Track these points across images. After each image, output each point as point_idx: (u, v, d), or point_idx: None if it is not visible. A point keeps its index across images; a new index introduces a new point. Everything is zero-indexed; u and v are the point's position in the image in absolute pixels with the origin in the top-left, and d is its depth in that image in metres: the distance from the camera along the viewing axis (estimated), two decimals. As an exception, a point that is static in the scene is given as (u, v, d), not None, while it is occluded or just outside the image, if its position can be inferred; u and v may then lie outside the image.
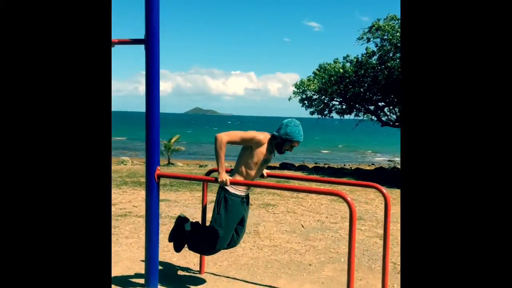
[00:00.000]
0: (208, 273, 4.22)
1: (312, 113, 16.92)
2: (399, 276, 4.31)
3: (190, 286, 3.88)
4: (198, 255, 4.31)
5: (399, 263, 4.64)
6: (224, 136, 3.45)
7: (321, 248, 5.19)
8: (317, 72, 16.26)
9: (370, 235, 5.86)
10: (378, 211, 7.49)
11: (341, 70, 15.47)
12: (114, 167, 14.40)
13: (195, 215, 6.56)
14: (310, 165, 18.52)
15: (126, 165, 16.21)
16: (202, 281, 4.02)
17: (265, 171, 3.93)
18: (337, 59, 16.41)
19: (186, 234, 3.77)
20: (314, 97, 16.84)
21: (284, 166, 17.19)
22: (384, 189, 3.49)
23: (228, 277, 4.14)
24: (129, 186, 9.04)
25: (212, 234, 3.58)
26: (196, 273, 4.21)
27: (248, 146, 3.55)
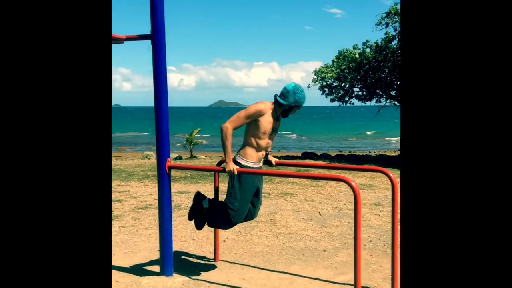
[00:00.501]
0: (222, 261, 4.32)
1: (332, 100, 16.79)
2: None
3: (204, 273, 3.98)
4: (213, 243, 4.41)
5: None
6: (229, 125, 3.52)
7: (336, 235, 5.23)
8: (335, 59, 16.12)
9: (388, 220, 5.85)
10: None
11: (357, 55, 15.28)
12: (137, 161, 14.69)
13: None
14: (333, 154, 18.45)
15: (150, 159, 16.48)
16: (216, 268, 4.12)
17: (273, 160, 3.98)
18: (356, 45, 16.22)
19: (204, 211, 3.84)
20: (335, 84, 16.71)
21: (306, 155, 17.18)
22: (391, 173, 3.51)
23: (242, 264, 4.23)
24: (151, 180, 9.22)
25: (229, 207, 3.64)
26: (211, 261, 4.31)
27: (254, 119, 3.59)
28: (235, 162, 3.65)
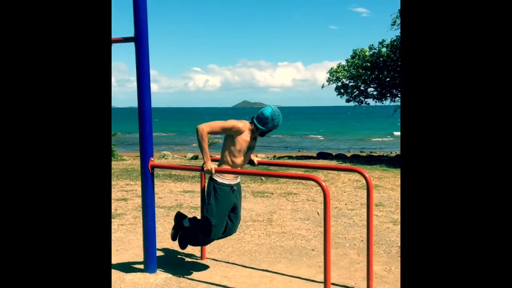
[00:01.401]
0: (209, 258, 4.39)
1: (348, 100, 16.70)
2: (398, 259, 4.31)
3: (188, 270, 4.06)
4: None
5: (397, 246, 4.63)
6: (205, 127, 3.59)
7: (329, 234, 5.23)
8: (350, 58, 16.02)
9: (385, 220, 5.83)
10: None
11: (367, 54, 15.15)
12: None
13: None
14: (349, 154, 18.35)
15: (167, 159, 16.72)
16: (202, 266, 4.20)
17: (255, 159, 4.04)
18: (372, 45, 16.09)
19: (186, 230, 3.94)
20: (351, 84, 16.61)
21: (321, 155, 17.13)
22: (366, 173, 3.51)
23: (228, 262, 4.30)
24: (160, 179, 9.38)
25: (205, 223, 3.73)
26: (198, 259, 4.39)
27: (230, 135, 3.67)
28: (211, 179, 3.72)
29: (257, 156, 4.12)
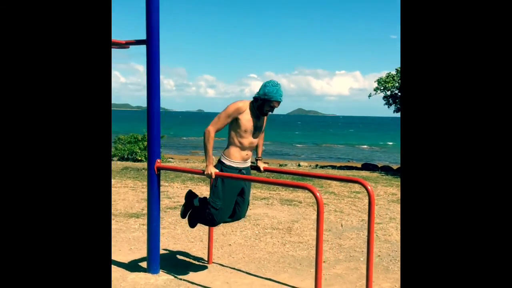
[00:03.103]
0: (216, 263, 4.37)
1: (396, 111, 16.21)
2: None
3: (192, 273, 4.05)
4: (214, 246, 4.46)
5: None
6: (211, 128, 3.60)
7: (346, 247, 5.08)
8: (399, 68, 15.55)
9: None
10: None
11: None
12: (197, 164, 15.14)
13: (253, 212, 6.74)
14: (395, 166, 17.76)
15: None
16: (206, 270, 4.18)
17: (262, 166, 3.97)
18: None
19: (195, 209, 3.91)
20: (400, 94, 16.10)
21: (366, 166, 16.72)
22: (369, 186, 3.37)
23: (234, 268, 4.25)
24: (194, 181, 9.49)
25: (212, 206, 3.68)
26: (204, 263, 4.38)
27: (234, 118, 3.63)
28: (219, 162, 3.71)
29: (264, 163, 4.04)
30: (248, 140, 3.66)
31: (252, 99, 3.68)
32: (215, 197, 3.68)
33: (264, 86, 3.59)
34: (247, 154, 3.75)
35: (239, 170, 3.71)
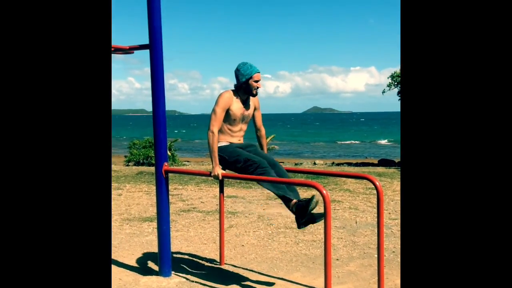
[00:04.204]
0: (228, 264, 4.36)
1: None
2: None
3: (204, 275, 4.05)
4: (227, 247, 4.45)
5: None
6: (214, 128, 3.69)
7: (361, 244, 5.03)
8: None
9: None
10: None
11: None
12: (210, 166, 15.16)
13: (266, 212, 6.74)
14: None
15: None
16: (218, 271, 4.18)
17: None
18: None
19: (296, 208, 3.73)
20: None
21: (383, 162, 16.58)
22: (377, 181, 3.33)
23: (246, 269, 4.24)
24: (207, 184, 9.52)
25: (250, 168, 3.64)
26: (216, 264, 4.38)
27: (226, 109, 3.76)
28: (218, 148, 3.78)
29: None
30: (237, 126, 3.84)
31: (233, 88, 3.84)
32: (242, 163, 3.66)
33: (237, 72, 3.76)
34: (239, 140, 3.90)
35: (236, 145, 3.84)
